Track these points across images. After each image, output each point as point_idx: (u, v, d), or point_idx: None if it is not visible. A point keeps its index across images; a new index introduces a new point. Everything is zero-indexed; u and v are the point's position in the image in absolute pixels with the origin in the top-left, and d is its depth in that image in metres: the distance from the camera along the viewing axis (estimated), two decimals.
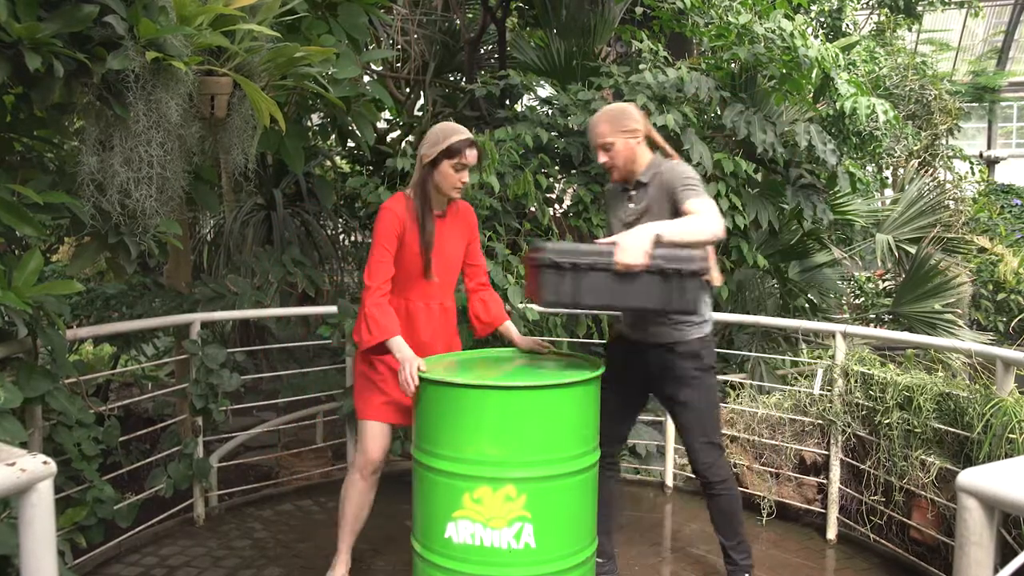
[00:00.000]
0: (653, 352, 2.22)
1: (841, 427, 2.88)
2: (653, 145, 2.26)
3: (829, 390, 2.94)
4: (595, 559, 2.08)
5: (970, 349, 2.58)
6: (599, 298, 1.84)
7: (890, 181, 8.37)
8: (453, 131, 2.20)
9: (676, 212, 2.10)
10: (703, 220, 1.99)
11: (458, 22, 5.49)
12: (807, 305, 4.89)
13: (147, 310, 3.49)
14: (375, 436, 2.28)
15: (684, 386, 2.20)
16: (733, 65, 4.38)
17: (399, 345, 2.12)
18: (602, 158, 2.22)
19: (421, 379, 1.93)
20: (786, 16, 4.23)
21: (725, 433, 3.29)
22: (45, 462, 1.03)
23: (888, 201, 6.98)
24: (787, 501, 3.07)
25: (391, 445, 2.42)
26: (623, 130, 2.17)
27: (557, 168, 4.22)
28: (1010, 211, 9.20)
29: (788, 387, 3.27)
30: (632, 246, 1.85)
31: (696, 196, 2.06)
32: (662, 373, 2.22)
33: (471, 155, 2.21)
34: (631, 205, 2.24)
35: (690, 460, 2.29)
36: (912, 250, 5.41)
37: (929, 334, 4.67)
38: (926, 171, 7.36)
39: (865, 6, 8.80)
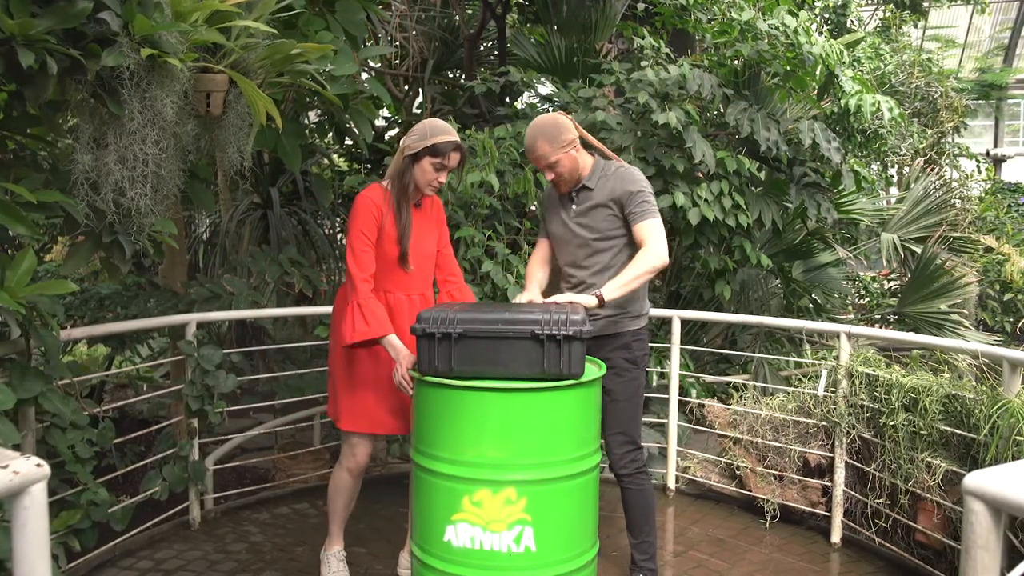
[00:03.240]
0: (590, 343, 2.24)
1: (846, 429, 2.84)
2: (587, 144, 2.31)
3: (833, 391, 2.91)
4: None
5: (976, 350, 2.56)
6: (475, 364, 1.86)
7: (895, 180, 8.31)
8: (442, 130, 2.20)
9: (620, 218, 2.22)
10: (643, 261, 2.14)
11: (457, 18, 5.45)
12: (811, 305, 4.86)
13: (142, 310, 3.45)
14: (364, 442, 2.33)
15: (611, 375, 2.24)
16: (736, 62, 4.34)
17: (393, 341, 2.12)
18: (549, 176, 2.27)
19: (421, 381, 1.90)
20: (790, 12, 4.19)
21: (728, 435, 3.26)
22: (38, 464, 1.02)
23: (893, 200, 6.93)
24: (791, 504, 3.04)
25: (389, 447, 2.42)
26: (563, 145, 2.21)
27: None
28: (1017, 210, 9.11)
29: (792, 388, 3.23)
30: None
31: (645, 218, 2.19)
32: None
33: (454, 158, 2.22)
34: (574, 206, 2.29)
35: (606, 450, 2.31)
36: (918, 249, 5.37)
37: (935, 335, 4.62)
38: (932, 169, 7.30)
39: (870, 2, 8.76)
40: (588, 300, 2.08)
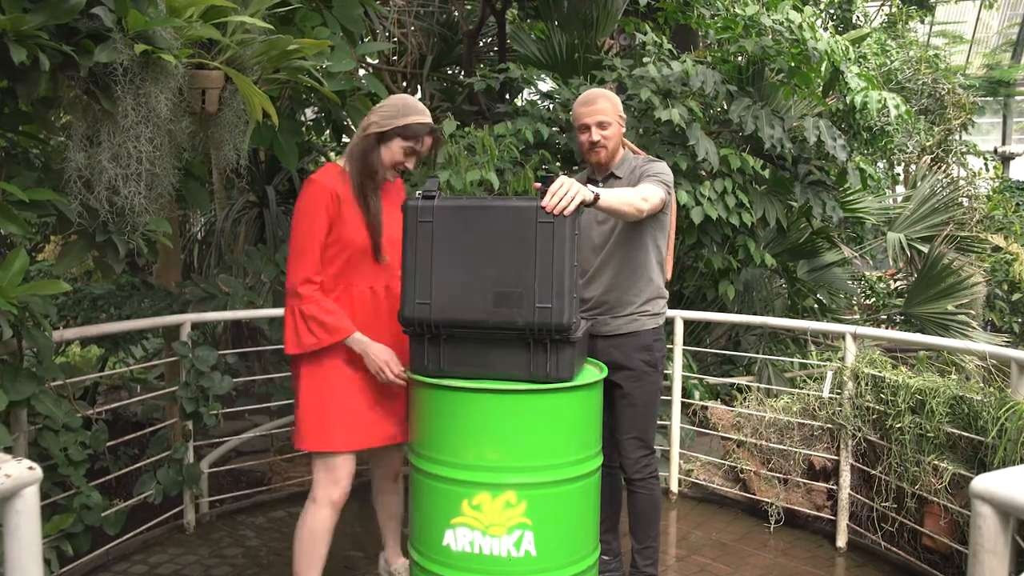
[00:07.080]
0: (604, 341, 2.22)
1: (851, 431, 2.81)
2: None
3: (839, 393, 2.88)
4: (601, 557, 2.06)
5: (984, 351, 2.54)
6: (464, 366, 1.83)
7: (902, 178, 8.27)
8: (417, 110, 1.95)
9: None
10: (634, 193, 1.97)
11: (456, 14, 5.42)
12: (816, 305, 4.82)
13: (136, 311, 3.43)
14: (347, 464, 2.01)
15: (630, 378, 2.19)
16: (740, 58, 4.30)
17: (360, 339, 1.94)
18: (595, 135, 2.13)
19: (419, 382, 1.87)
20: (794, 7, 4.15)
21: (732, 437, 3.23)
22: (30, 467, 1.02)
23: (900, 198, 6.88)
24: (795, 507, 3.00)
25: None
26: (620, 115, 2.21)
27: (559, 164, 4.16)
28: None
29: (797, 390, 3.21)
30: (572, 185, 1.71)
31: (652, 183, 2.08)
32: (613, 363, 2.19)
33: (427, 143, 1.98)
34: None
35: (619, 452, 2.27)
36: (924, 249, 5.32)
37: (942, 335, 4.58)
38: (939, 167, 7.25)
39: None
40: (586, 193, 1.76)
